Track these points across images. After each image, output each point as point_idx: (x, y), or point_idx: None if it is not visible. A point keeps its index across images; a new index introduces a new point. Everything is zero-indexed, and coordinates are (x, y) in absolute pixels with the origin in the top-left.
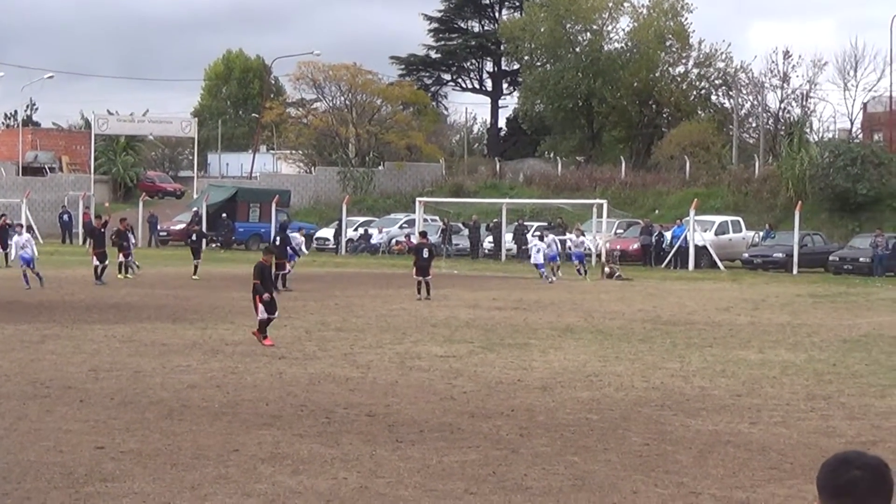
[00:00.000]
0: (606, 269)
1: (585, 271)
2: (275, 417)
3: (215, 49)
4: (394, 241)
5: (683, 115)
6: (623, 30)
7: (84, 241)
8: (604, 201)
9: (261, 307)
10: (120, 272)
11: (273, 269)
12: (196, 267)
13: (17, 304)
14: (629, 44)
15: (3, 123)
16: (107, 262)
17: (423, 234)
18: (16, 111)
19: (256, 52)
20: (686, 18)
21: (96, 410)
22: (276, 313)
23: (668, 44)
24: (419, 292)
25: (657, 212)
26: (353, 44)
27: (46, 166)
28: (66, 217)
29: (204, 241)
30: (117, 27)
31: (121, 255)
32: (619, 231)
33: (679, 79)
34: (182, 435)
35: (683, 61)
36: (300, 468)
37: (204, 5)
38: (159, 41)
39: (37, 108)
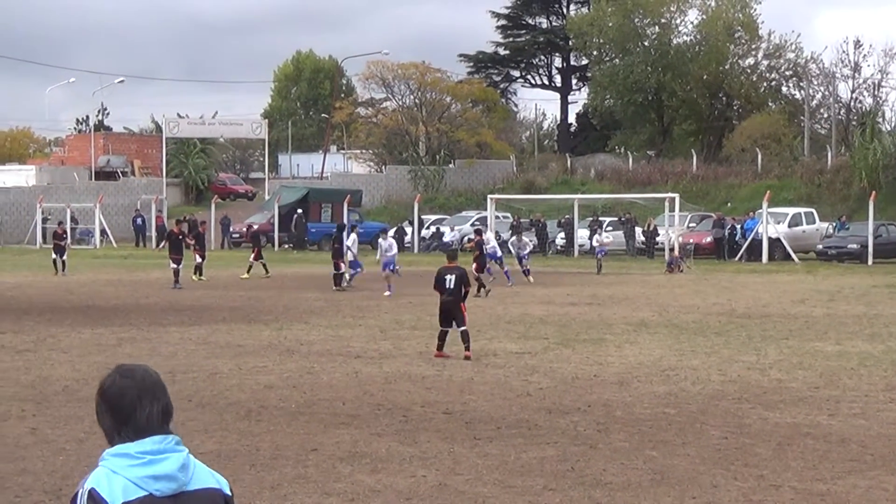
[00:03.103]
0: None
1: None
2: (352, 416)
3: (278, 50)
4: (466, 238)
5: (754, 108)
6: (692, 22)
7: (157, 245)
8: (676, 195)
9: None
10: (195, 274)
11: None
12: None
13: (93, 308)
14: (698, 36)
15: (75, 128)
16: (181, 266)
17: (479, 233)
18: (87, 116)
19: (322, 51)
20: (755, 9)
21: (174, 412)
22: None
23: (737, 35)
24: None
25: (729, 204)
26: (419, 42)
27: (119, 170)
28: (139, 221)
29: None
30: (182, 30)
31: (197, 257)
32: (691, 225)
33: (749, 71)
34: (260, 435)
35: (753, 53)
36: (379, 466)
37: (266, 6)
38: (222, 43)
39: (108, 113)
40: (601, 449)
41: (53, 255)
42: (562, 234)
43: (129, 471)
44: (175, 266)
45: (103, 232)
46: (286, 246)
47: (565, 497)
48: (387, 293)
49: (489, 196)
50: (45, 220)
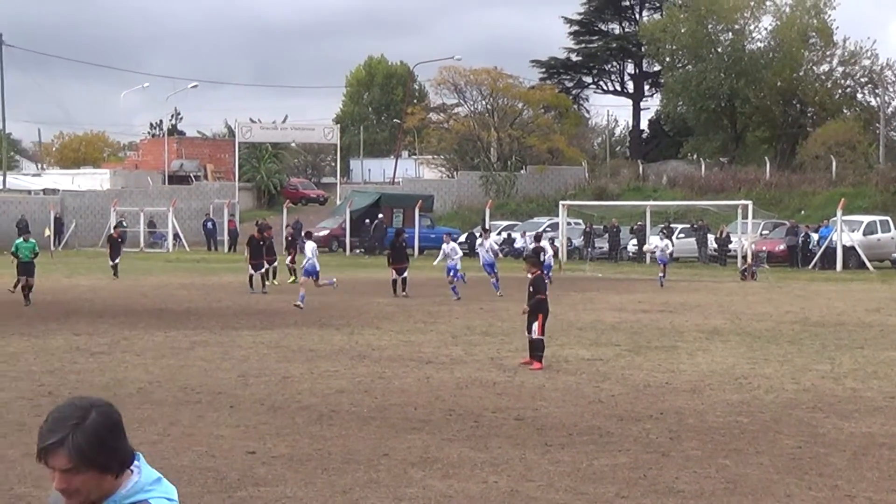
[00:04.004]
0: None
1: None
2: (423, 422)
3: (349, 55)
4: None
5: (828, 115)
6: (765, 29)
7: (229, 249)
8: (749, 202)
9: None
10: (267, 279)
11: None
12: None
13: (166, 311)
14: (772, 43)
15: (149, 133)
16: (261, 272)
17: (537, 238)
18: (161, 120)
19: (393, 56)
20: (829, 15)
21: (247, 416)
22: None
23: (811, 42)
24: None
25: (803, 212)
26: (490, 47)
27: (192, 175)
28: (209, 225)
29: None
30: (253, 35)
31: (288, 259)
32: (764, 232)
33: (823, 77)
34: (332, 440)
35: (828, 59)
36: (450, 472)
37: (335, 11)
38: (293, 48)
39: (181, 118)
40: (673, 457)
41: (111, 262)
42: (634, 241)
43: None
44: (253, 272)
45: (176, 236)
46: (358, 251)
47: None
48: (454, 298)
49: (561, 202)
50: (123, 225)
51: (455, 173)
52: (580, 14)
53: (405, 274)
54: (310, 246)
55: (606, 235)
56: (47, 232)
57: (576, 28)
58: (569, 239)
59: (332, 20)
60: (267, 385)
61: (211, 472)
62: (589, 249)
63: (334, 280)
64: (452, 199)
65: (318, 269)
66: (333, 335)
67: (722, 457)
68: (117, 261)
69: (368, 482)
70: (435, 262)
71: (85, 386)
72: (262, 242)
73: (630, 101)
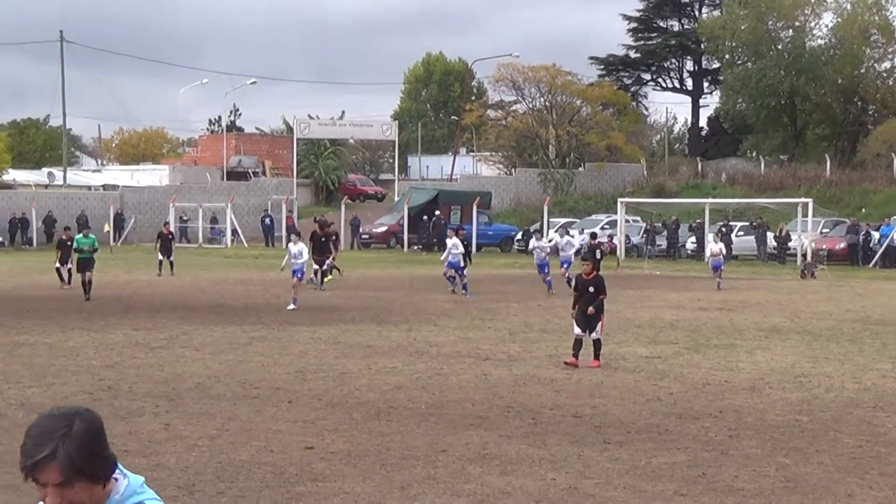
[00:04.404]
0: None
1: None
2: (481, 418)
3: (405, 52)
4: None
5: (890, 112)
6: (826, 26)
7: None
8: (808, 200)
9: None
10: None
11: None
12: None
13: (224, 306)
14: (832, 40)
15: (208, 129)
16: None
17: (594, 236)
18: (220, 117)
19: (450, 53)
20: (891, 12)
21: (305, 411)
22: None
23: (872, 39)
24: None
25: (864, 210)
26: (548, 44)
27: (250, 171)
28: (267, 221)
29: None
30: (310, 32)
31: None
32: (824, 230)
33: (885, 75)
34: (390, 435)
35: (889, 57)
36: (508, 469)
37: (392, 9)
38: (350, 45)
39: (240, 114)
40: (732, 455)
41: (160, 257)
42: (692, 239)
43: None
44: (317, 267)
45: (234, 231)
46: (416, 247)
47: (696, 503)
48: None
49: (619, 199)
50: (184, 221)
51: (513, 170)
52: (639, 11)
53: (464, 272)
54: (301, 247)
55: (665, 233)
56: (107, 227)
57: (635, 25)
58: (627, 236)
59: (389, 17)
60: (325, 381)
61: (269, 467)
62: (647, 247)
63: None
64: (510, 196)
65: (304, 269)
66: (391, 331)
67: (781, 455)
68: (171, 258)
69: (426, 478)
70: (442, 258)
71: (144, 381)
72: (323, 239)
73: (689, 99)
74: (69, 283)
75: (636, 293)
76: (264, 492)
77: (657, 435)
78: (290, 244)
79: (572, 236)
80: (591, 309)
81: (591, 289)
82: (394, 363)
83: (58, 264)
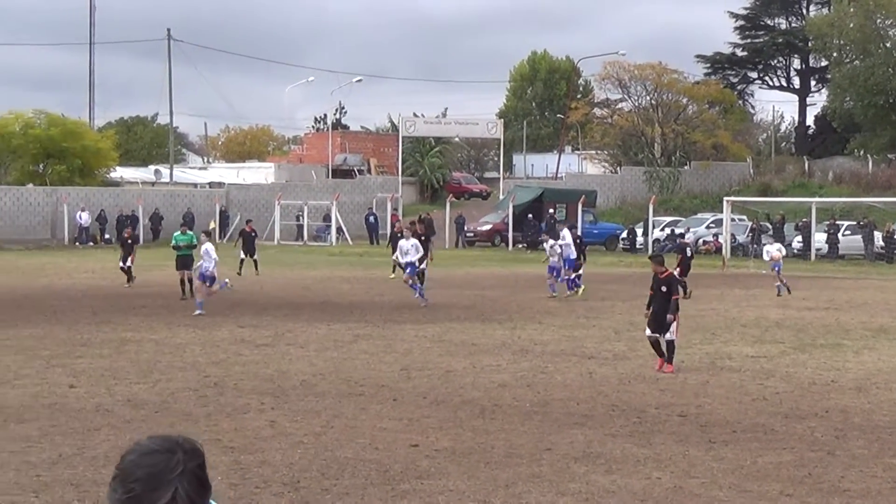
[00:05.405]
0: None
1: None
2: (586, 417)
3: (510, 50)
4: (701, 241)
5: None
6: None
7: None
8: None
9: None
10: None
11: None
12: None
13: (329, 304)
14: None
15: (313, 127)
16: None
17: (681, 235)
18: (325, 114)
19: (554, 51)
20: None
21: (409, 409)
22: None
23: None
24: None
25: None
26: (654, 41)
27: (355, 168)
28: (371, 219)
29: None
30: (414, 29)
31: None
32: None
33: None
34: (494, 433)
35: None
36: (613, 467)
37: (495, 6)
38: (454, 42)
39: (346, 112)
40: (839, 455)
41: (242, 255)
42: (798, 238)
43: None
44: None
45: (339, 229)
46: (520, 246)
47: (802, 503)
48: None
49: (725, 198)
50: (297, 218)
51: (618, 169)
52: (746, 9)
53: (580, 271)
54: (209, 247)
55: (771, 231)
56: (212, 225)
57: (741, 23)
58: (733, 235)
59: (492, 15)
60: (430, 379)
61: (374, 465)
62: (753, 246)
63: (227, 281)
64: (615, 194)
65: (214, 272)
66: (496, 330)
67: (889, 456)
68: (255, 256)
69: (531, 476)
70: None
71: (250, 378)
72: (423, 238)
73: (796, 97)
74: (128, 282)
75: (742, 292)
76: (369, 489)
77: (763, 435)
78: (207, 244)
79: (563, 238)
80: (672, 316)
81: (664, 288)
82: (498, 361)
83: (120, 263)
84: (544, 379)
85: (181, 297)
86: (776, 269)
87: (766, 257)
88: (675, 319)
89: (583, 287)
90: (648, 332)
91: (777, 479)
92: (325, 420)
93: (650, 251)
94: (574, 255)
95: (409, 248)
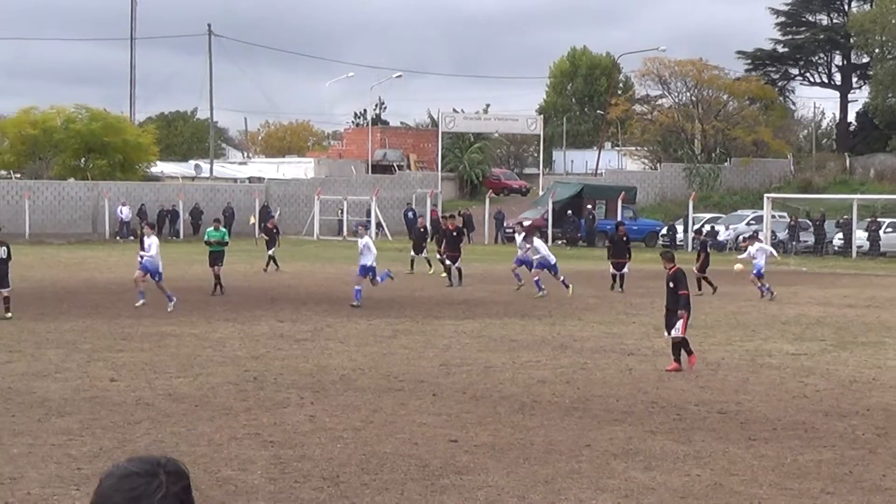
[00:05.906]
0: None
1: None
2: (625, 413)
3: (549, 45)
4: (741, 237)
5: None
6: None
7: (430, 239)
8: None
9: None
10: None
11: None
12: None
13: (368, 299)
14: None
15: (353, 122)
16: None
17: (698, 232)
18: (365, 110)
19: (594, 47)
20: None
21: (449, 404)
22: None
23: None
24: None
25: None
26: (694, 37)
27: (395, 164)
28: (410, 214)
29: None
30: (453, 25)
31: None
32: None
33: None
34: (534, 430)
35: None
36: (652, 464)
37: (535, 2)
38: (493, 38)
39: (385, 107)
40: (880, 454)
41: (269, 252)
42: (840, 235)
43: None
44: (449, 263)
45: (379, 225)
46: (559, 242)
47: (843, 501)
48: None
49: (765, 195)
50: (338, 213)
51: (658, 165)
52: (787, 5)
53: (625, 269)
54: (368, 241)
55: (811, 228)
56: (252, 220)
57: (783, 19)
58: (773, 232)
59: (532, 11)
60: (469, 374)
61: (413, 460)
62: (794, 243)
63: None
64: (655, 191)
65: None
66: (535, 325)
67: None
68: (271, 251)
69: (570, 473)
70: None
71: (289, 372)
72: (454, 233)
73: (837, 94)
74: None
75: (782, 289)
76: (408, 484)
77: (803, 432)
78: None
79: (538, 249)
80: (682, 312)
81: (671, 284)
82: (538, 357)
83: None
84: (584, 375)
85: (211, 292)
86: (757, 270)
87: (745, 255)
88: (683, 316)
89: (571, 287)
90: (665, 333)
91: (818, 477)
92: (364, 415)
93: (689, 248)
94: (553, 260)
95: (363, 248)
